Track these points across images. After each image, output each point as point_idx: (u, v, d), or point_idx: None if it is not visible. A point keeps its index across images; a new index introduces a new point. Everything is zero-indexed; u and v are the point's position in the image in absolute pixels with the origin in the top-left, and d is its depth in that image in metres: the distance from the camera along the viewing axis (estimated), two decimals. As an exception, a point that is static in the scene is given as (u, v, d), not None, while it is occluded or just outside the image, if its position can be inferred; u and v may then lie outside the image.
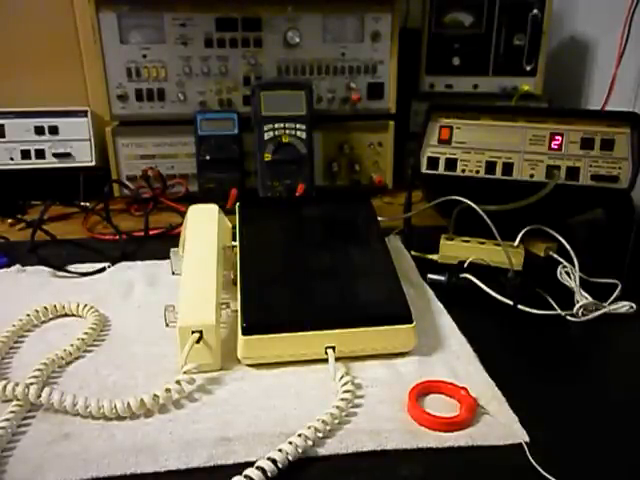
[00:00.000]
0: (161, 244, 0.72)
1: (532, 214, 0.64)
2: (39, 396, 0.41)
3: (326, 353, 0.47)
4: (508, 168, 0.68)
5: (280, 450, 0.37)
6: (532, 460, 0.37)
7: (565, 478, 0.36)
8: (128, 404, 0.41)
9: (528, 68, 0.97)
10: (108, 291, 0.61)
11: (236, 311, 0.49)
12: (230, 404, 0.43)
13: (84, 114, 0.91)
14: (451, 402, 0.43)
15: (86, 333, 0.51)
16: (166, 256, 0.62)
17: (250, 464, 0.36)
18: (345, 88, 0.92)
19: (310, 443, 0.38)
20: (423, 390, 0.44)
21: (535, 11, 0.93)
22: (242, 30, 0.87)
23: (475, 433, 0.40)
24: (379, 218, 0.63)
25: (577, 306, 0.56)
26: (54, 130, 0.90)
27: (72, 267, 0.66)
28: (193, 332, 0.45)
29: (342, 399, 0.42)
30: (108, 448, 0.38)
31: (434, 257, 0.68)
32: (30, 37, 1.02)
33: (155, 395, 0.42)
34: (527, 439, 0.39)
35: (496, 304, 0.58)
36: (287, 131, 0.83)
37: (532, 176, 0.67)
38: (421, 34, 0.96)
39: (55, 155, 0.90)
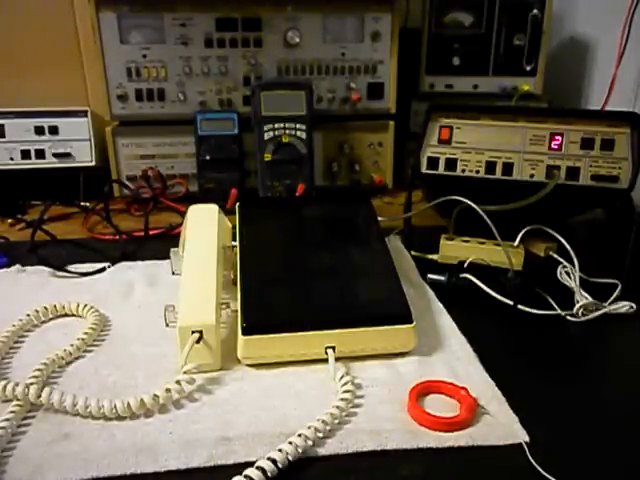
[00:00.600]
0: (161, 244, 0.72)
1: (532, 214, 0.64)
2: (39, 396, 0.41)
3: (326, 353, 0.47)
4: (508, 168, 0.68)
5: (280, 450, 0.37)
6: (532, 460, 0.37)
7: (565, 478, 0.36)
8: (128, 404, 0.41)
9: (528, 68, 0.97)
10: (108, 291, 0.61)
11: (236, 311, 0.49)
12: (230, 404, 0.43)
13: (84, 114, 0.91)
14: (451, 402, 0.43)
15: (86, 333, 0.51)
16: (166, 256, 0.62)
17: (250, 464, 0.36)
18: (345, 88, 0.92)
19: (310, 443, 0.38)
20: (423, 390, 0.44)
21: (535, 11, 0.93)
22: (242, 30, 0.87)
23: (475, 433, 0.40)
24: (379, 218, 0.63)
25: (577, 306, 0.56)
26: (54, 130, 0.90)
27: (72, 267, 0.66)
28: (193, 332, 0.45)
29: (342, 399, 0.42)
30: (108, 448, 0.38)
31: (434, 257, 0.68)
32: (30, 37, 1.02)
33: (155, 395, 0.42)
34: (527, 439, 0.39)
35: (496, 304, 0.58)
36: (287, 131, 0.83)
37: (532, 176, 0.67)
38: (421, 34, 0.96)
39: (55, 155, 0.90)
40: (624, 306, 0.57)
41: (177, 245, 0.62)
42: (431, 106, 0.70)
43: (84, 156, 0.91)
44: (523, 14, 0.94)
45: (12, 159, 0.90)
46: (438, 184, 0.71)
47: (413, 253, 0.69)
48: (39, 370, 0.45)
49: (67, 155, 0.91)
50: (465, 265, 0.63)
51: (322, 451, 0.38)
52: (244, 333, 0.47)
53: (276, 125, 0.83)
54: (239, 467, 0.36)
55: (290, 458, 0.36)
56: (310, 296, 0.50)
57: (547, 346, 0.52)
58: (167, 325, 0.50)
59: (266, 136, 0.83)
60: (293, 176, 0.83)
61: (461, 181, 0.69)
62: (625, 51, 0.84)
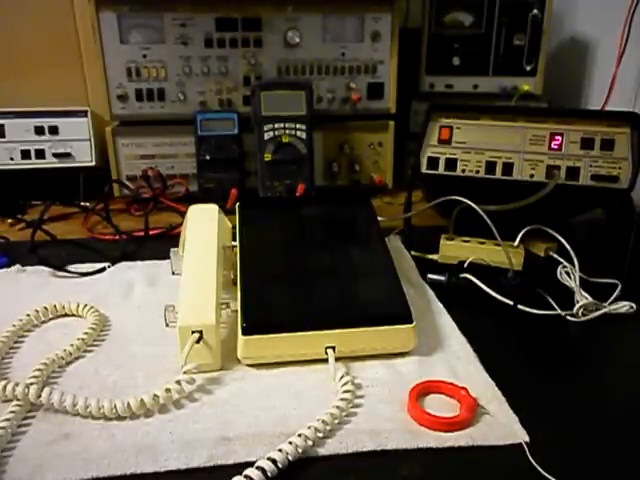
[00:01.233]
0: (161, 244, 0.72)
1: (532, 214, 0.64)
2: (39, 396, 0.41)
3: (326, 353, 0.47)
4: (508, 168, 0.68)
5: (280, 450, 0.37)
6: (532, 460, 0.37)
7: (565, 478, 0.36)
8: (128, 404, 0.41)
9: (528, 68, 0.97)
10: (108, 291, 0.61)
11: (236, 311, 0.49)
12: (230, 404, 0.43)
13: (84, 114, 0.91)
14: (451, 402, 0.43)
15: (86, 333, 0.51)
16: (166, 256, 0.62)
17: (250, 464, 0.36)
18: (345, 88, 0.92)
19: (310, 443, 0.38)
20: (423, 390, 0.44)
21: (535, 11, 0.93)
22: (242, 30, 0.87)
23: (475, 433, 0.40)
24: (379, 218, 0.63)
25: (577, 306, 0.56)
26: (54, 130, 0.90)
27: (72, 267, 0.66)
28: (193, 332, 0.45)
29: (342, 399, 0.42)
30: (108, 448, 0.38)
31: (434, 257, 0.68)
32: (30, 37, 1.02)
33: (155, 395, 0.42)
34: (527, 439, 0.39)
35: (496, 304, 0.58)
36: (287, 131, 0.83)
37: (532, 176, 0.67)
38: (421, 34, 0.96)
39: (55, 155, 0.90)
40: (624, 306, 0.57)
41: (177, 245, 0.62)
42: (431, 106, 0.70)
43: (84, 156, 0.91)
44: (523, 14, 0.94)
45: (12, 159, 0.90)
46: (438, 184, 0.71)
47: (413, 253, 0.69)
48: (39, 370, 0.45)
49: (67, 155, 0.91)
50: (465, 265, 0.63)
51: (322, 451, 0.38)
52: (244, 333, 0.47)
53: (276, 125, 0.83)
54: (239, 467, 0.36)
55: (290, 458, 0.36)
56: (310, 296, 0.50)
57: (547, 346, 0.52)
58: (167, 325, 0.50)
59: (266, 136, 0.83)
60: (293, 176, 0.83)
61: (461, 181, 0.69)
62: (625, 51, 0.85)
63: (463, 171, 0.69)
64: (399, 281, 0.53)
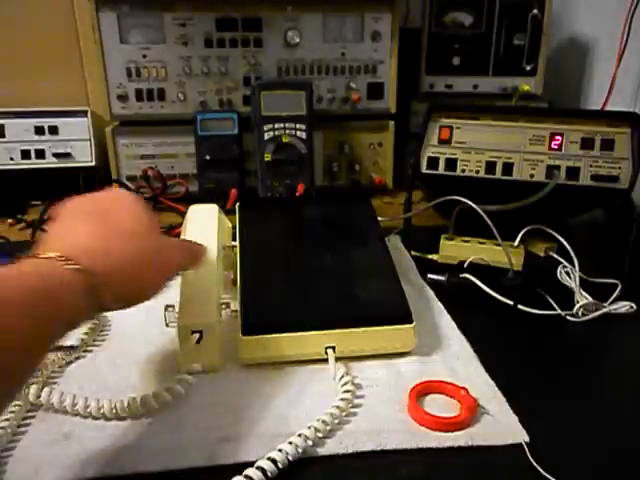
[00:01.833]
0: (161, 244, 0.71)
1: (532, 214, 0.64)
2: (39, 396, 0.41)
3: (326, 353, 0.47)
4: (508, 168, 0.68)
5: (280, 450, 0.37)
6: (532, 460, 0.37)
7: (565, 478, 0.36)
8: (128, 404, 0.41)
9: (528, 68, 0.97)
10: (108, 291, 0.61)
11: (236, 311, 0.49)
12: (230, 404, 0.43)
13: (84, 114, 0.90)
14: (451, 402, 0.43)
15: (86, 333, 0.51)
16: (166, 256, 0.62)
17: (250, 464, 0.36)
18: (345, 88, 0.92)
19: (310, 443, 0.38)
20: (423, 390, 0.44)
21: (535, 11, 0.93)
22: (242, 30, 0.87)
23: (475, 433, 0.40)
24: (379, 218, 0.63)
25: (577, 306, 0.56)
26: (54, 130, 0.90)
27: (72, 267, 0.66)
28: (193, 332, 0.45)
29: (342, 399, 0.42)
30: (108, 448, 0.38)
31: (434, 257, 0.68)
32: (30, 37, 1.02)
33: (155, 395, 0.42)
34: (527, 439, 0.39)
35: (496, 304, 0.58)
36: (287, 131, 0.83)
37: (532, 176, 0.67)
38: (421, 34, 0.96)
39: (55, 155, 0.90)
40: (624, 306, 0.57)
41: (177, 245, 0.62)
42: (431, 106, 0.70)
43: (84, 156, 0.91)
44: (523, 14, 0.93)
45: (12, 159, 0.90)
46: (438, 184, 0.71)
47: (413, 253, 0.69)
48: (39, 370, 0.45)
49: (67, 155, 0.91)
50: (465, 265, 0.63)
51: (322, 451, 0.38)
52: (244, 333, 0.47)
53: (276, 125, 0.83)
54: (239, 467, 0.36)
55: (290, 458, 0.36)
56: (310, 296, 0.50)
57: (547, 346, 0.52)
58: (167, 325, 0.49)
59: (266, 136, 0.83)
60: (293, 176, 0.83)
61: (461, 181, 0.69)
62: (625, 51, 0.85)
63: (463, 171, 0.69)
64: (399, 281, 0.53)
